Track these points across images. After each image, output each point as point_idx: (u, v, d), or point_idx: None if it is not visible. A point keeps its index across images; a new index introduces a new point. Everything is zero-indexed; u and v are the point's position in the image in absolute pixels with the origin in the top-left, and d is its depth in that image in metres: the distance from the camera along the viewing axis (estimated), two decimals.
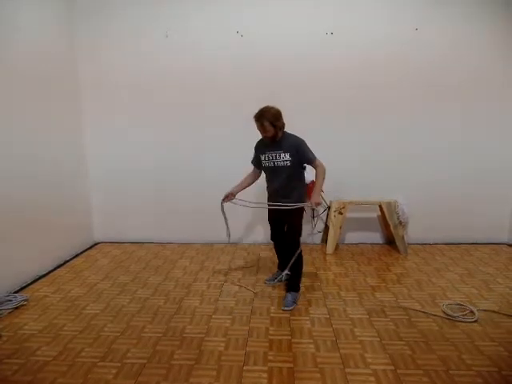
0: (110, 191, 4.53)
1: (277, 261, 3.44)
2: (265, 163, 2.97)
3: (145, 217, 4.54)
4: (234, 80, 4.21)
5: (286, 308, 2.83)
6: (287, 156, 2.84)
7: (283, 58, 4.14)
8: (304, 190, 3.07)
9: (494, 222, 4.43)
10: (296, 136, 2.90)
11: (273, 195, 3.05)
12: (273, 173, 2.96)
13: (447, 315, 2.71)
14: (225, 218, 3.21)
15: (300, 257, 2.99)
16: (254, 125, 2.84)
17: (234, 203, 3.14)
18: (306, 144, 2.88)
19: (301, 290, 3.10)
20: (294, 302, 2.90)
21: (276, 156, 2.87)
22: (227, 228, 3.26)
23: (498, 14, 4.04)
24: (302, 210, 2.98)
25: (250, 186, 3.20)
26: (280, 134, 2.86)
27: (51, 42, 3.81)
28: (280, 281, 3.29)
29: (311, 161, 2.86)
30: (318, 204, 2.84)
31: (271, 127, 2.76)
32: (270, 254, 4.11)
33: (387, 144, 4.30)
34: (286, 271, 3.11)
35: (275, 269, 3.53)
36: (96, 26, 4.21)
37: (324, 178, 2.86)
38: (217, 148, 4.36)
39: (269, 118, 2.74)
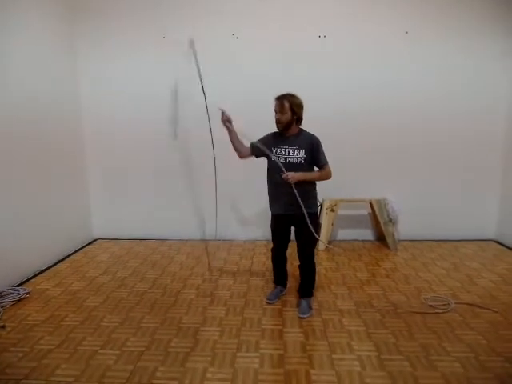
0: (109, 189, 4.65)
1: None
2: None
3: (142, 214, 4.65)
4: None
5: (303, 315, 2.74)
6: (302, 153, 2.66)
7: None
8: (316, 195, 2.89)
9: (482, 220, 4.57)
10: (313, 134, 2.74)
11: (280, 200, 2.77)
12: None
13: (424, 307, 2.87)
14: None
15: (314, 262, 2.90)
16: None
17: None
18: (321, 145, 2.73)
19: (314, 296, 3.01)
20: (310, 307, 2.83)
21: (289, 152, 2.67)
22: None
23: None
24: (317, 218, 2.94)
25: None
26: (295, 129, 2.71)
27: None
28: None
29: (322, 164, 2.72)
30: (292, 178, 2.59)
31: (289, 111, 2.62)
32: (264, 250, 4.24)
33: (377, 142, 4.44)
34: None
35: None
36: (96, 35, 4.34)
37: (319, 179, 2.76)
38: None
39: (291, 101, 2.63)
